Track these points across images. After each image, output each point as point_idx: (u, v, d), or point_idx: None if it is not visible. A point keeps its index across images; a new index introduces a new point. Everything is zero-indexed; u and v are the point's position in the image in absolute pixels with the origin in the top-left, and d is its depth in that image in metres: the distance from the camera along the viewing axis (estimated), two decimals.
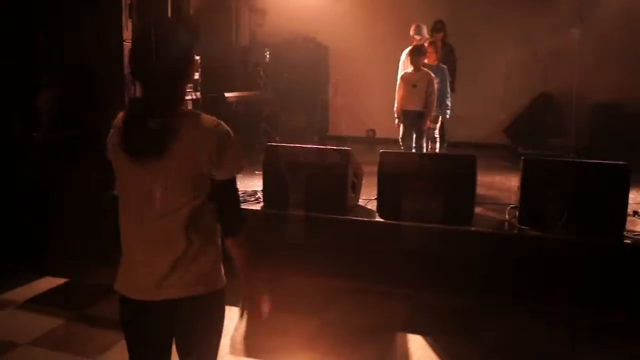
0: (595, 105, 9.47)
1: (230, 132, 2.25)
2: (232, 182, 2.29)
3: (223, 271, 2.37)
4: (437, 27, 8.49)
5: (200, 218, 2.25)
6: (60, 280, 5.36)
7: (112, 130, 2.28)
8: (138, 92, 6.39)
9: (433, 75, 7.18)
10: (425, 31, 8.16)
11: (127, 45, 6.41)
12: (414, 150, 7.18)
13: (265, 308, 2.41)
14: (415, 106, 7.14)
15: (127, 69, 6.40)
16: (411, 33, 8.05)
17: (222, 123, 2.25)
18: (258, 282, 2.39)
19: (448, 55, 8.37)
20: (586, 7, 9.58)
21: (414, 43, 7.56)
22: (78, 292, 5.23)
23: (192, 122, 2.21)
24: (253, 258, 2.37)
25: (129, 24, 6.46)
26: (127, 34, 6.42)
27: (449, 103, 7.70)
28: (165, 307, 2.25)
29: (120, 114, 2.27)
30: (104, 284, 5.25)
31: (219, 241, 2.36)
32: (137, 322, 2.34)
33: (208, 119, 2.24)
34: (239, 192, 2.38)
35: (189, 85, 2.33)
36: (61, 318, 4.67)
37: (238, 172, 2.29)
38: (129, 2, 6.45)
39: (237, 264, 2.36)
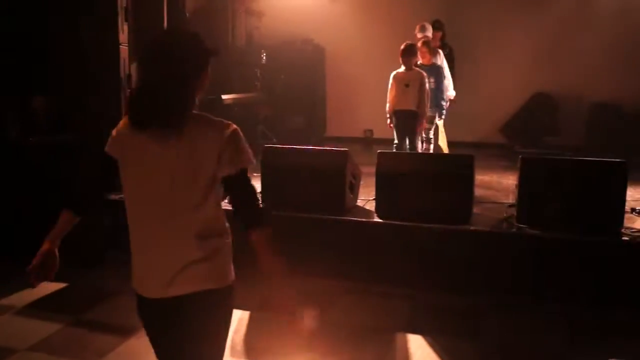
0: (592, 104, 9.49)
1: (238, 130, 2.28)
2: (241, 176, 2.28)
3: (233, 268, 2.38)
4: (436, 26, 8.48)
5: (213, 221, 2.28)
6: (58, 285, 5.33)
7: (119, 130, 2.31)
8: None
9: (426, 75, 7.14)
10: (429, 31, 8.12)
11: (124, 48, 6.40)
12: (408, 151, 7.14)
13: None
14: (408, 106, 7.05)
15: (123, 72, 6.40)
16: (416, 32, 8.03)
17: (231, 123, 2.28)
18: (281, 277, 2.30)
19: (447, 56, 8.37)
20: (584, 8, 9.61)
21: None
22: (76, 296, 5.21)
23: (200, 121, 2.25)
24: (279, 256, 2.28)
25: (125, 27, 6.45)
26: (123, 37, 6.41)
27: (444, 103, 7.68)
28: (177, 303, 2.28)
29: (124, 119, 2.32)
30: (103, 287, 5.28)
31: (230, 241, 2.37)
32: (153, 319, 2.39)
33: (216, 119, 2.28)
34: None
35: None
36: (59, 323, 4.64)
37: (245, 165, 2.28)
38: (124, 5, 6.44)
39: (262, 259, 2.27)
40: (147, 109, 2.18)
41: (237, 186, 2.29)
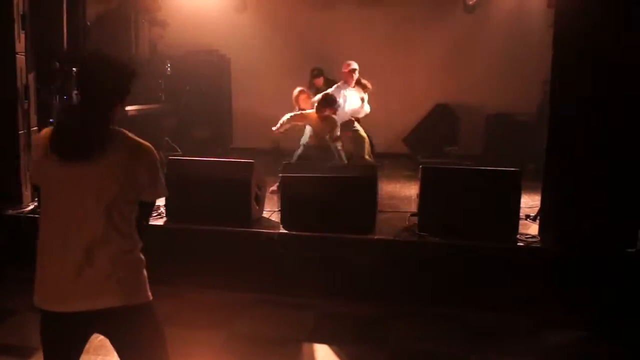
0: (488, 114, 9.90)
1: (155, 157, 2.42)
2: (151, 204, 2.57)
3: (148, 286, 2.47)
4: (315, 74, 9.07)
5: (127, 237, 2.38)
6: None
7: (36, 143, 2.45)
8: (32, 107, 6.18)
9: None
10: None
11: (20, 57, 6.17)
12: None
13: None
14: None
15: (20, 82, 6.15)
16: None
17: (149, 145, 2.40)
18: None
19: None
20: (478, 24, 10.07)
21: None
22: None
23: (120, 138, 2.36)
24: None
25: (22, 36, 6.22)
26: (20, 46, 6.17)
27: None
28: (91, 317, 2.32)
29: (45, 130, 2.40)
30: (0, 307, 5.02)
31: (141, 255, 2.46)
32: (57, 334, 2.39)
33: (135, 139, 2.39)
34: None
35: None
36: None
37: (161, 196, 2.53)
38: (21, 12, 6.20)
39: None
40: (70, 147, 2.28)
41: (145, 210, 2.51)
